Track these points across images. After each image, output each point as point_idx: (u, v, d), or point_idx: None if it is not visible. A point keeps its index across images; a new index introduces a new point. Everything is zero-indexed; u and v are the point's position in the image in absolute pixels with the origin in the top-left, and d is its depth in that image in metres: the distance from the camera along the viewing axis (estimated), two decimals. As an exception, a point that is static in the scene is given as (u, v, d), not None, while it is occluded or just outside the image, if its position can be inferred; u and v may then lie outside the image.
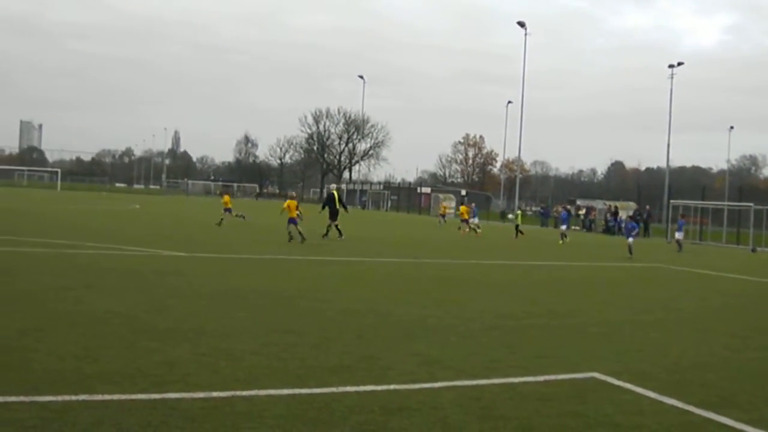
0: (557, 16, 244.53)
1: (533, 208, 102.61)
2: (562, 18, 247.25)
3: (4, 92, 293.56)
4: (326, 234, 29.86)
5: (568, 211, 44.73)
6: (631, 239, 29.36)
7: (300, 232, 26.50)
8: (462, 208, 43.34)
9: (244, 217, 37.45)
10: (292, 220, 26.90)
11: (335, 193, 31.57)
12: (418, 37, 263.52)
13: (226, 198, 37.02)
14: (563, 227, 39.75)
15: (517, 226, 42.52)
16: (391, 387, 7.32)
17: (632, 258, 28.20)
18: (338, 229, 29.96)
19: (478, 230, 43.51)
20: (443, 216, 53.23)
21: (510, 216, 45.66)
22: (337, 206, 30.80)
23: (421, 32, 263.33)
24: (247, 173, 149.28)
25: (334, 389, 7.11)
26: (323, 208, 31.35)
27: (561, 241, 37.86)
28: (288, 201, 27.99)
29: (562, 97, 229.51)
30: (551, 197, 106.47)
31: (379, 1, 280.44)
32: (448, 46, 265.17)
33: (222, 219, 35.25)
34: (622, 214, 53.29)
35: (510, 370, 8.37)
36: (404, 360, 8.51)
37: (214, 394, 6.71)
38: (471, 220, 45.04)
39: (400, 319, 11.58)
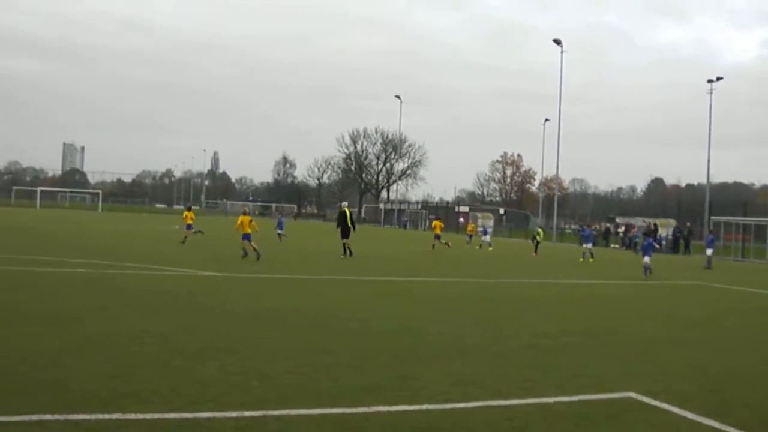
0: (591, 32, 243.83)
1: (572, 227, 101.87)
2: (597, 34, 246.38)
3: (48, 116, 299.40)
4: (346, 253, 29.74)
5: (607, 229, 44.25)
6: (647, 258, 27.65)
7: (255, 249, 25.99)
8: (435, 222, 43.33)
9: (202, 233, 36.14)
10: (246, 236, 26.50)
11: (347, 211, 31.21)
12: (454, 56, 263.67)
13: (188, 214, 35.77)
14: (587, 245, 39.45)
15: (537, 243, 42.56)
16: (424, 407, 7.26)
17: (647, 279, 26.38)
18: (348, 249, 29.84)
19: (490, 247, 45.31)
20: (470, 236, 52.73)
21: (535, 232, 45.50)
22: (348, 224, 30.46)
23: (456, 51, 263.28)
24: (285, 193, 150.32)
25: (366, 409, 7.07)
26: (338, 226, 31.00)
27: (582, 259, 37.61)
28: (241, 217, 27.49)
29: (600, 113, 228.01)
30: (590, 215, 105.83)
31: (414, 22, 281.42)
32: (483, 65, 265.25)
33: (185, 237, 34.13)
34: (662, 232, 52.70)
35: (545, 389, 8.27)
36: (439, 380, 8.45)
37: (246, 413, 6.71)
38: (483, 238, 47.37)
39: (435, 338, 11.52)
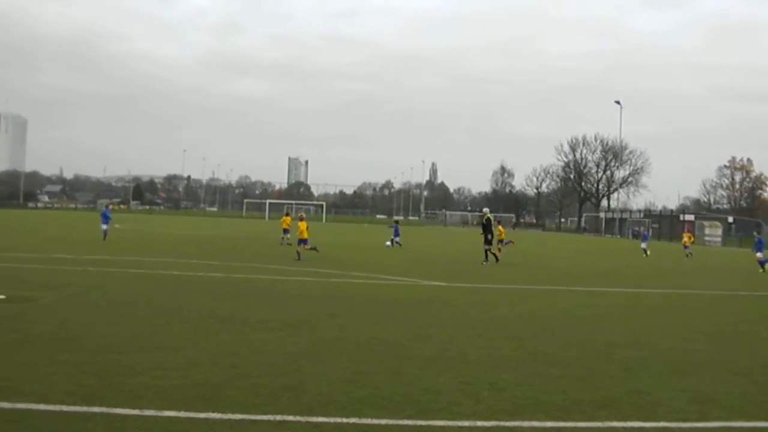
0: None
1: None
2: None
3: (275, 132, 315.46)
4: (488, 260, 30.14)
5: None
6: (759, 254, 24.08)
7: (310, 249, 28.88)
8: (500, 228, 41.19)
9: (290, 244, 35.92)
10: (302, 241, 28.65)
11: (490, 217, 31.87)
12: (671, 57, 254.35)
13: (286, 219, 38.24)
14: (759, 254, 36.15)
15: None
16: (660, 424, 6.99)
17: None
18: (494, 255, 30.40)
19: (646, 254, 43.68)
20: (686, 247, 48.06)
21: None
22: (493, 230, 31.02)
23: (673, 52, 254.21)
24: (503, 203, 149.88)
25: (599, 424, 6.90)
26: (483, 233, 31.19)
27: (761, 270, 34.82)
28: (299, 223, 29.69)
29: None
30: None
31: (629, 26, 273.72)
32: (703, 64, 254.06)
33: (282, 238, 36.88)
34: None
35: (793, 411, 7.73)
36: (674, 396, 8.11)
37: (479, 423, 6.72)
38: (642, 244, 45.48)
39: (667, 352, 11.08)
